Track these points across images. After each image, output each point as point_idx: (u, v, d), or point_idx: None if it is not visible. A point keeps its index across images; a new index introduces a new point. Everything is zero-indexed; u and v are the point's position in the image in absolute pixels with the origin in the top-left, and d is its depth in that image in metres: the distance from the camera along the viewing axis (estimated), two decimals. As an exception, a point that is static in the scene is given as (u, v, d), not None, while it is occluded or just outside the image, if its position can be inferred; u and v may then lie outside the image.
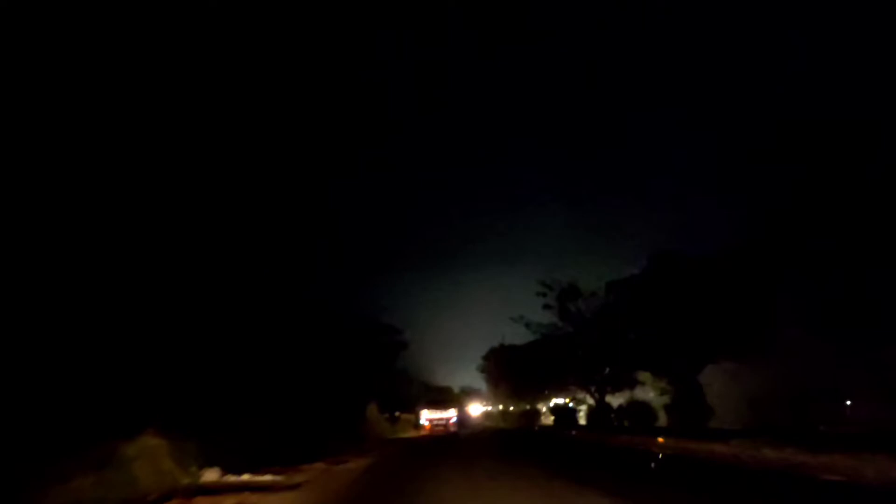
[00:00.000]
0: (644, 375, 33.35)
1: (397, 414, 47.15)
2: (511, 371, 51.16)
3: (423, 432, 45.33)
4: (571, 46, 58.28)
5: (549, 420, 51.00)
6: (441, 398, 54.81)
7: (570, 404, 46.07)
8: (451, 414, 49.63)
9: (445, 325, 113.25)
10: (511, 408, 62.62)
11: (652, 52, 47.29)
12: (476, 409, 66.75)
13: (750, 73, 36.03)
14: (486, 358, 59.72)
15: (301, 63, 22.69)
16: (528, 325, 38.34)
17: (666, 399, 27.29)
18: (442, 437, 36.18)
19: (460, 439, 32.25)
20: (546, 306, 36.61)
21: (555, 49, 57.88)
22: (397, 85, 53.74)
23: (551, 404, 50.81)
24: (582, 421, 42.37)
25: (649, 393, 32.83)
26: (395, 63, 53.51)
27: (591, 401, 40.61)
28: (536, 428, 45.86)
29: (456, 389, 67.65)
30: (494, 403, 68.50)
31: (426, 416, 49.24)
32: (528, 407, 54.83)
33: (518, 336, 50.33)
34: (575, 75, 57.72)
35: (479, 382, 68.22)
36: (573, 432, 32.24)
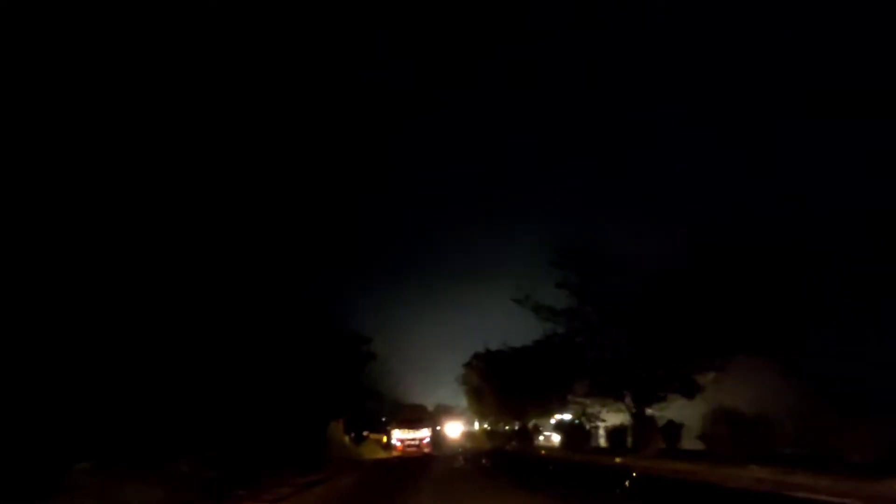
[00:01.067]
0: (706, 377, 24.83)
1: (365, 433, 44.90)
2: (500, 381, 43.74)
3: (394, 453, 43.09)
4: (571, 46, 56.42)
5: (551, 441, 41.98)
6: (414, 416, 48.77)
7: (577, 421, 37.00)
8: (424, 434, 46.74)
9: (420, 336, 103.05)
10: (492, 426, 54.62)
11: (652, 52, 44.72)
12: (454, 427, 58.84)
13: (750, 72, 31.56)
14: (468, 365, 51.09)
15: (300, 62, 22.34)
16: (535, 310, 29.52)
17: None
18: (416, 461, 32.35)
19: (440, 464, 26.91)
20: (560, 285, 27.99)
21: (555, 49, 54.52)
22: (397, 85, 51.43)
23: (553, 421, 41.88)
24: (602, 442, 33.20)
25: (713, 401, 24.21)
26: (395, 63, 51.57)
27: (607, 416, 31.88)
28: (543, 452, 36.59)
29: (431, 407, 59.64)
30: (477, 421, 60.23)
31: (397, 435, 46.31)
32: (520, 424, 46.23)
33: (510, 338, 42.16)
34: (575, 75, 55.16)
35: (458, 399, 60.99)
36: (616, 459, 23.27)
